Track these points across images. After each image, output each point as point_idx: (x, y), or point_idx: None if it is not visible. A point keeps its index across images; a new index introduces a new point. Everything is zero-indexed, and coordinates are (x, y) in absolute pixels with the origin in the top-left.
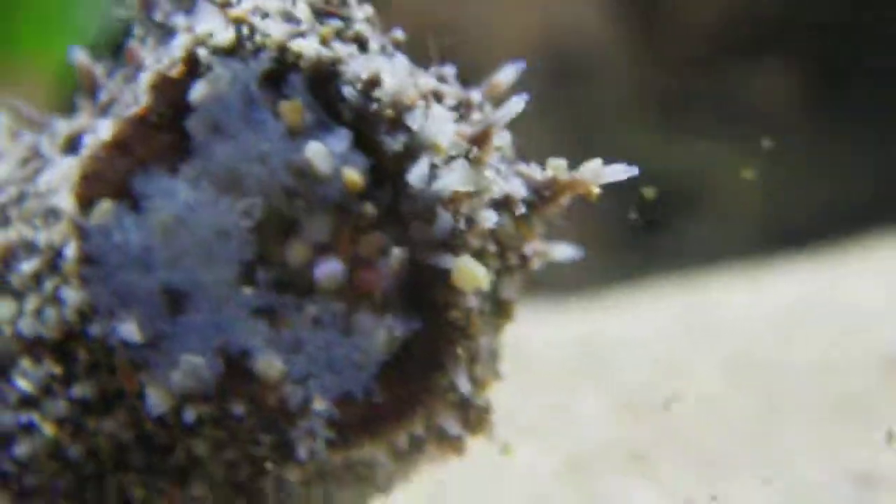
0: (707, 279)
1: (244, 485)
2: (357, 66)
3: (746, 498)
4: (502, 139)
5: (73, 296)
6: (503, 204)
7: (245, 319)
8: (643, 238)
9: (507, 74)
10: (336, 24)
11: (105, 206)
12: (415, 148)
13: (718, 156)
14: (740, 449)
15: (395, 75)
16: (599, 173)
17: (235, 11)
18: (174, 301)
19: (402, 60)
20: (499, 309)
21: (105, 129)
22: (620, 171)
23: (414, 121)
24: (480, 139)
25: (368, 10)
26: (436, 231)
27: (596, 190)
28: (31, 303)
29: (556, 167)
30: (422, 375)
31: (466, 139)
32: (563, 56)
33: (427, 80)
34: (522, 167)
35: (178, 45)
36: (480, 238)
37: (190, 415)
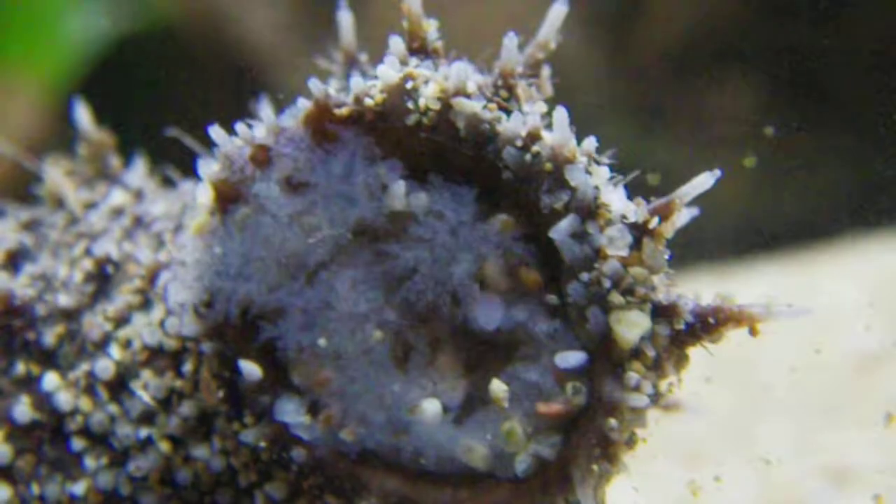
0: (684, 278)
1: None
2: (514, 125)
3: (724, 491)
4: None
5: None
6: (668, 313)
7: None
8: None
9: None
10: (498, 114)
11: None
12: (574, 208)
13: (689, 159)
14: (719, 443)
15: (556, 130)
16: (772, 311)
17: (410, 68)
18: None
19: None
20: (630, 440)
21: (260, 132)
22: (794, 312)
23: (573, 176)
24: (663, 211)
25: (542, 107)
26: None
27: (760, 328)
28: (158, 312)
29: (725, 297)
30: (539, 488)
31: (647, 210)
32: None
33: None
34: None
35: (352, 89)
36: (638, 305)
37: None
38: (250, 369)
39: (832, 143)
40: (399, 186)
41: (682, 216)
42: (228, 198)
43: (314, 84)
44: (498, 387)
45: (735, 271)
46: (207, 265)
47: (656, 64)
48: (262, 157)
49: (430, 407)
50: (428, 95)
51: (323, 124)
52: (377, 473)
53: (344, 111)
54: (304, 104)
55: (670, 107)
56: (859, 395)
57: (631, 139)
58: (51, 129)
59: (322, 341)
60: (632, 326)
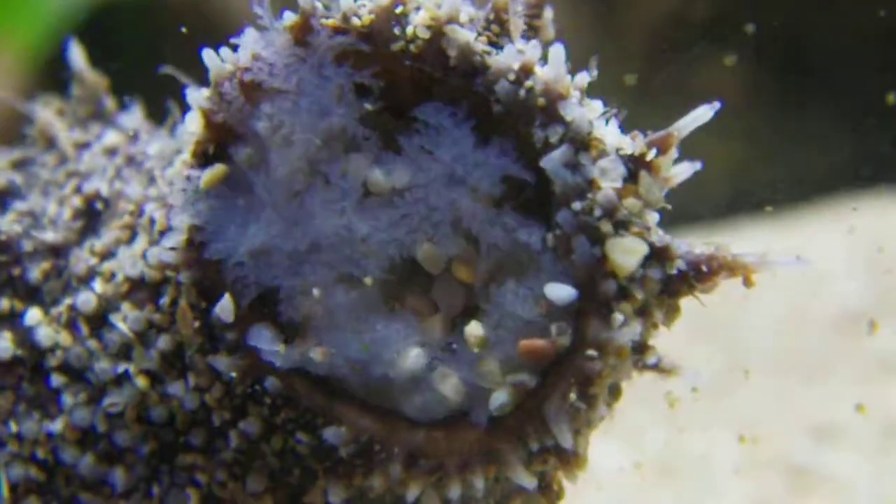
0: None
1: (296, 491)
2: (507, 58)
3: (709, 448)
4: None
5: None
6: (661, 255)
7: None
8: None
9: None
10: (489, 47)
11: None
12: (568, 140)
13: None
14: (704, 402)
15: (550, 65)
16: (768, 261)
17: None
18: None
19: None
20: (613, 390)
21: (243, 54)
22: (790, 263)
23: (567, 111)
24: (661, 143)
25: (535, 44)
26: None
27: (755, 278)
28: (141, 243)
29: (720, 245)
30: (514, 427)
31: (645, 142)
32: None
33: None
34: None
35: (341, 6)
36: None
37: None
38: (225, 305)
39: (818, 117)
40: (377, 175)
41: (685, 170)
42: (226, 137)
43: None
44: (474, 329)
45: (723, 233)
46: (222, 217)
47: (643, 42)
48: (250, 82)
49: (413, 353)
50: (417, 23)
51: (305, 34)
52: (352, 410)
53: (329, 23)
54: (289, 16)
55: (657, 85)
56: (843, 352)
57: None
58: (31, 96)
59: (313, 290)
60: (629, 252)
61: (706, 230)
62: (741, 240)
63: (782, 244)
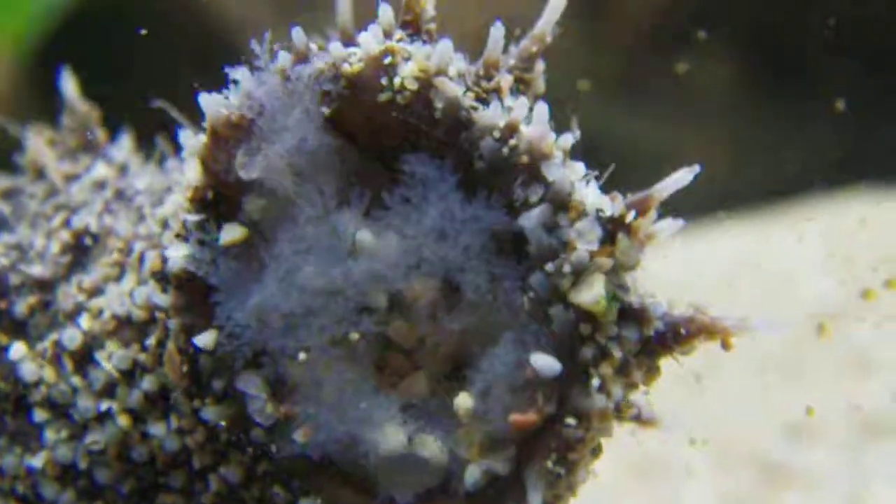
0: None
1: None
2: (493, 115)
3: (682, 450)
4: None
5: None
6: (637, 317)
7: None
8: None
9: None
10: (476, 103)
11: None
12: (548, 200)
13: (660, 131)
14: (676, 402)
15: (535, 125)
16: (746, 325)
17: (392, 43)
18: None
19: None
20: (594, 450)
21: (235, 97)
22: (769, 326)
23: (550, 171)
24: (641, 205)
25: (524, 101)
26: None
27: (734, 341)
28: (129, 282)
29: (698, 307)
30: (494, 496)
31: (625, 204)
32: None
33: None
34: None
35: (331, 54)
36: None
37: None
38: (206, 338)
39: (804, 113)
40: (365, 236)
41: (666, 228)
42: (233, 190)
43: (297, 34)
44: (463, 401)
45: (700, 229)
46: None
47: (631, 37)
48: (239, 117)
49: (395, 434)
50: (406, 74)
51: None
52: (331, 481)
53: (321, 65)
54: (284, 56)
55: (646, 80)
56: (817, 349)
57: (606, 113)
58: (16, 89)
59: (300, 354)
60: (588, 288)
61: (685, 230)
62: (719, 237)
63: (756, 243)
